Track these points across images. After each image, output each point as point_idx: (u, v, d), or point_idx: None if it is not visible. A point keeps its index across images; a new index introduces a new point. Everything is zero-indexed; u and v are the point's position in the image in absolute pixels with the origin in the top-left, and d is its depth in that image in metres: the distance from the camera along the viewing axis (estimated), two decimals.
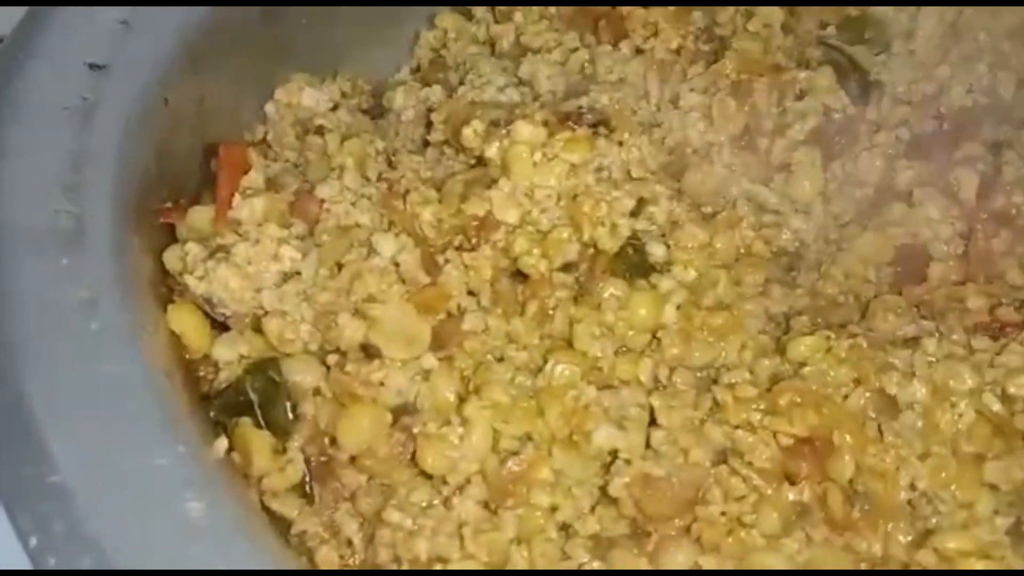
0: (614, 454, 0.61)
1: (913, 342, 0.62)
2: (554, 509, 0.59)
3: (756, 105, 0.70)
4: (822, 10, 0.81)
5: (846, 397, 0.60)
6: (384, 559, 0.58)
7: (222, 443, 0.56)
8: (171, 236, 0.67)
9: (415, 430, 0.60)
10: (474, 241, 0.67)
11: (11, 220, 0.56)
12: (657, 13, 0.78)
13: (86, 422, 0.49)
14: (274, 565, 0.48)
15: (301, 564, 0.55)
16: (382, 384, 0.61)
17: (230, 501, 0.50)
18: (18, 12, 0.68)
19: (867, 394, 0.60)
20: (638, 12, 0.78)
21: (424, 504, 0.59)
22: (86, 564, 0.43)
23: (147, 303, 0.60)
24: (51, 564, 0.43)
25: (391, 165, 0.74)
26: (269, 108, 0.76)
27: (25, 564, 0.68)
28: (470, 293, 0.65)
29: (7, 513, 0.45)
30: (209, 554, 0.45)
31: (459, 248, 0.66)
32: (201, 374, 0.63)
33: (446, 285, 0.64)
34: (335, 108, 0.78)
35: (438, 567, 0.57)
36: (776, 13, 0.77)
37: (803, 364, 0.61)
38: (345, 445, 0.60)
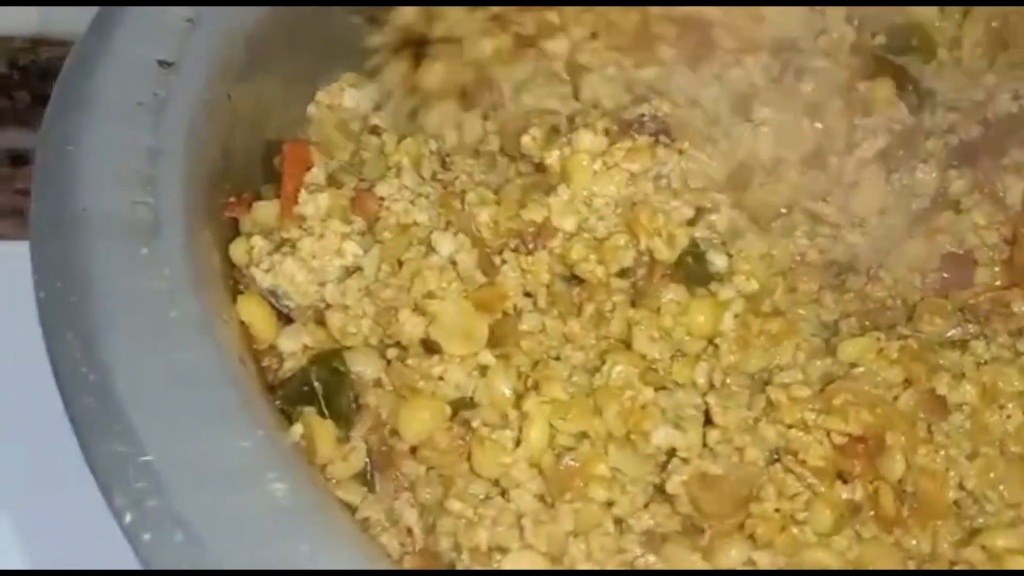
0: (671, 453, 0.63)
1: (961, 344, 0.65)
2: (611, 504, 0.61)
3: (830, 124, 0.72)
4: (868, 18, 0.83)
5: (896, 398, 0.63)
6: (444, 547, 0.60)
7: (297, 429, 0.58)
8: (235, 230, 0.70)
9: (473, 424, 0.62)
10: (531, 246, 0.69)
11: (94, 209, 0.58)
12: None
13: (169, 406, 0.52)
14: (351, 546, 0.50)
15: (374, 547, 0.57)
16: (441, 378, 0.63)
17: (309, 484, 0.53)
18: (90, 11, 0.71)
19: (918, 395, 0.62)
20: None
21: (483, 496, 0.61)
22: (179, 540, 0.46)
23: (218, 294, 0.63)
24: (146, 540, 0.46)
25: (445, 166, 0.77)
26: (311, 109, 0.78)
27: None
28: (526, 295, 0.68)
29: (101, 491, 0.47)
30: (295, 532, 0.48)
31: (515, 250, 0.68)
32: (266, 364, 0.65)
33: (503, 285, 0.67)
34: (377, 109, 0.79)
35: (497, 557, 0.59)
36: (847, 32, 0.78)
37: (854, 365, 0.64)
38: (406, 435, 0.62)
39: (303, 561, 0.48)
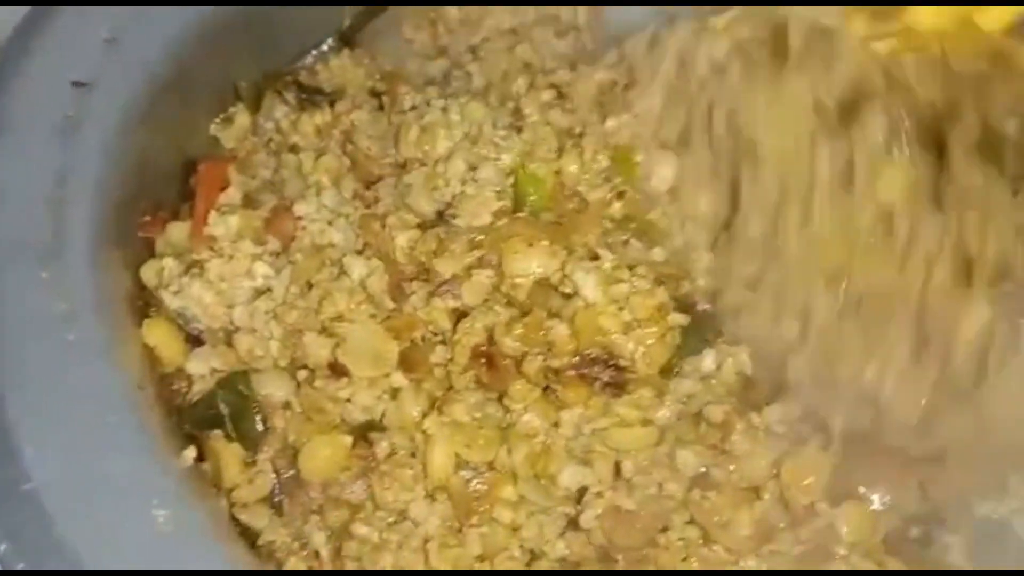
0: (583, 489, 0.65)
1: None
2: (516, 528, 0.63)
3: None
4: None
5: None
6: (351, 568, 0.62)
7: (190, 453, 0.60)
8: (151, 251, 0.71)
9: (377, 450, 0.63)
10: (441, 290, 0.69)
11: None
12: None
13: (59, 430, 0.53)
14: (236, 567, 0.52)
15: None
16: (349, 401, 0.65)
17: (196, 510, 0.54)
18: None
19: None
20: None
21: (391, 520, 0.63)
22: (53, 566, 0.47)
23: (123, 317, 0.65)
24: (20, 566, 0.47)
25: (368, 187, 0.78)
26: (230, 126, 0.80)
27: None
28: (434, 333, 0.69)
29: None
30: (173, 559, 0.49)
31: (426, 281, 0.69)
32: (176, 387, 0.67)
33: (411, 316, 0.68)
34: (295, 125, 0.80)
35: None
36: None
37: None
38: (307, 474, 0.64)
39: None
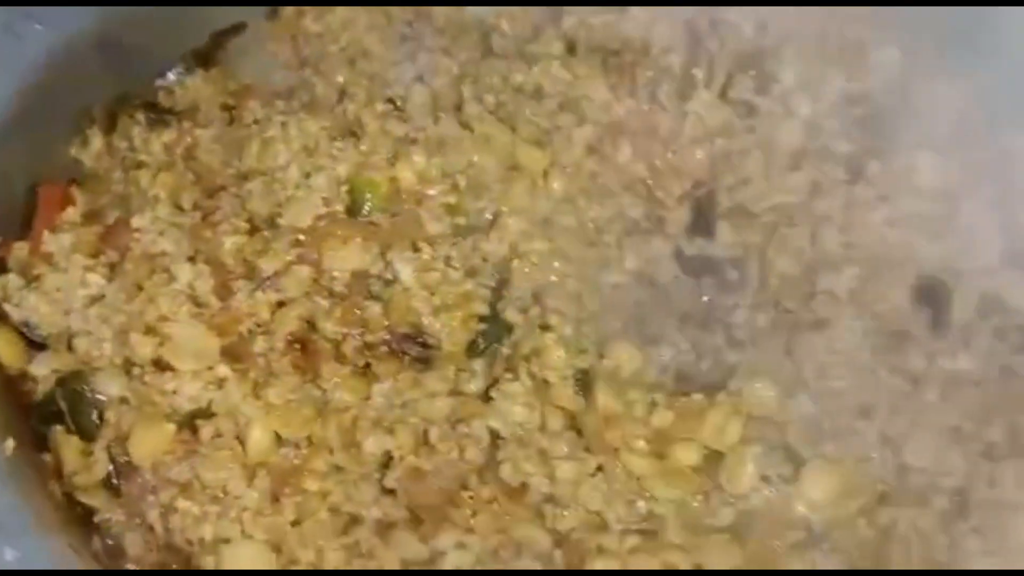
0: (388, 455, 0.74)
1: None
2: (325, 495, 0.72)
3: None
4: None
5: None
6: (178, 541, 0.71)
7: (9, 444, 0.69)
8: (5, 269, 0.79)
9: (202, 434, 0.72)
10: (265, 285, 0.78)
11: None
12: None
13: None
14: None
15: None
16: (175, 392, 0.74)
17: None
18: None
19: None
20: None
21: (215, 494, 0.72)
22: None
23: None
24: None
25: (211, 196, 0.86)
26: (83, 149, 0.88)
27: None
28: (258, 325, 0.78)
29: None
30: None
31: (249, 278, 0.78)
32: (24, 389, 0.76)
33: (237, 311, 0.77)
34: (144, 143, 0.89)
35: (222, 547, 0.70)
36: None
37: None
38: (137, 459, 0.72)
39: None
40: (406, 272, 0.78)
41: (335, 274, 0.79)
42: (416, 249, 0.80)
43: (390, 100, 0.91)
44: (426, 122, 0.89)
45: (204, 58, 1.00)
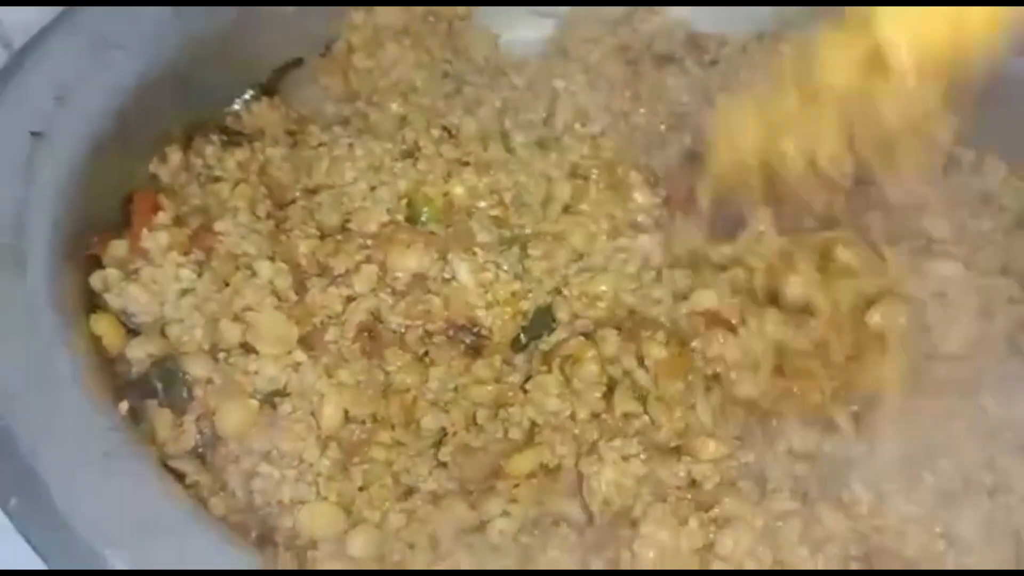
0: (443, 432, 0.85)
1: None
2: (390, 463, 0.82)
3: None
4: None
5: None
6: (259, 503, 0.80)
7: (124, 405, 0.80)
8: (100, 265, 0.90)
9: (280, 409, 0.83)
10: (337, 282, 0.91)
11: None
12: None
13: (25, 383, 0.74)
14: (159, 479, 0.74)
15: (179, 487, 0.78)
16: (257, 373, 0.84)
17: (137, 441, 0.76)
18: None
19: None
20: None
21: (292, 462, 0.82)
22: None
23: (75, 312, 0.84)
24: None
25: (281, 209, 0.98)
26: (173, 161, 0.99)
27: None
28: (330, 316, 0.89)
29: None
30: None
31: (321, 276, 0.91)
32: (120, 370, 0.86)
33: (311, 304, 0.88)
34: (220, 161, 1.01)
35: (298, 507, 0.79)
36: None
37: None
38: (224, 432, 0.83)
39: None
40: (463, 271, 0.90)
41: (398, 274, 0.91)
42: (472, 253, 0.92)
43: (444, 128, 1.03)
44: (476, 147, 1.02)
45: (266, 90, 1.12)
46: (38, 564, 0.69)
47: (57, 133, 0.91)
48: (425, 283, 0.91)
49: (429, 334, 0.89)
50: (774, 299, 0.91)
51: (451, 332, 0.90)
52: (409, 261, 0.91)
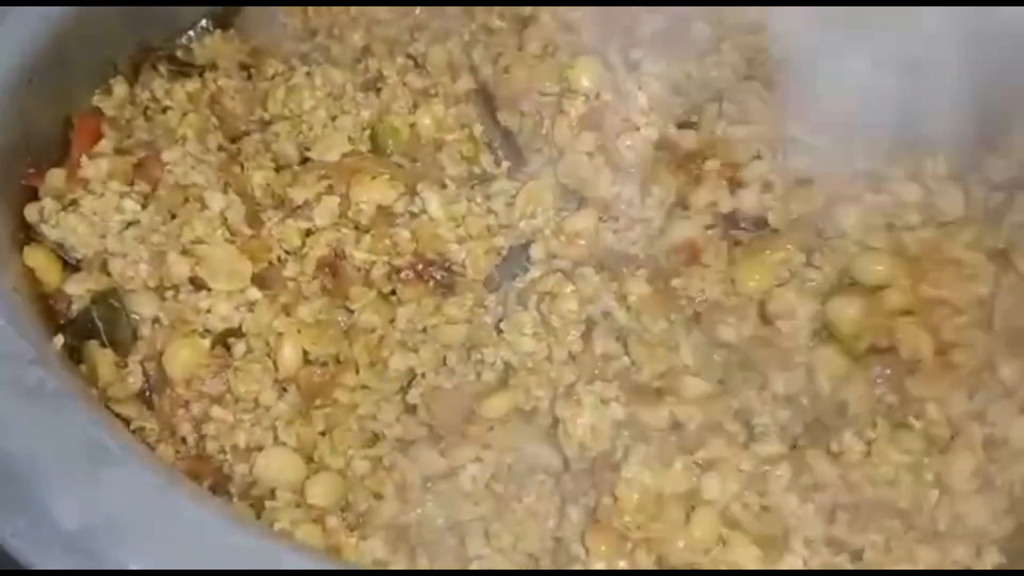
0: (412, 373, 0.80)
1: None
2: (354, 407, 0.77)
3: None
4: None
5: None
6: (212, 449, 0.75)
7: (59, 340, 0.74)
8: (35, 197, 0.84)
9: (234, 351, 0.77)
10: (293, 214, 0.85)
11: None
12: None
13: None
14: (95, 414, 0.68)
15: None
16: (209, 311, 0.79)
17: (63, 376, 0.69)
18: None
19: None
20: None
21: (247, 406, 0.76)
22: None
23: (5, 244, 0.78)
24: None
25: (233, 142, 0.92)
26: (118, 93, 0.93)
27: None
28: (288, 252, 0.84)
29: None
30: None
31: (277, 208, 0.85)
32: (57, 308, 0.80)
33: (267, 239, 0.83)
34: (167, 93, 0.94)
35: (255, 454, 0.74)
36: None
37: None
38: (172, 373, 0.77)
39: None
40: (434, 203, 0.84)
41: (362, 207, 0.85)
42: (443, 186, 0.86)
43: (410, 56, 0.97)
44: (444, 78, 0.96)
45: (220, 22, 1.06)
46: None
47: None
48: (391, 217, 0.85)
49: (396, 270, 0.84)
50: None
51: (420, 268, 0.84)
52: (374, 193, 0.85)
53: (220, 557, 0.61)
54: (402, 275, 0.83)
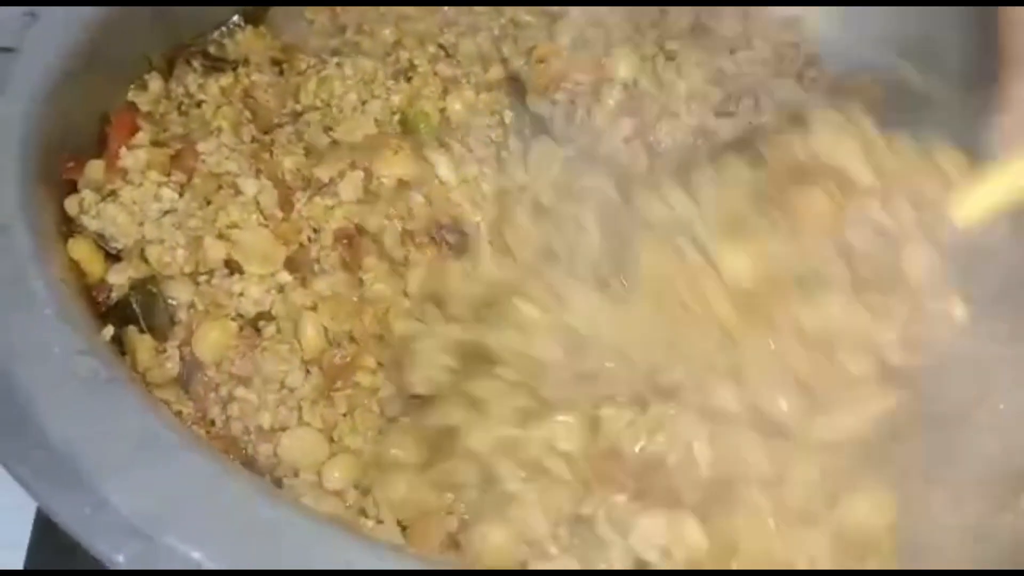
0: None
1: None
2: (375, 390, 0.80)
3: None
4: None
5: None
6: (237, 431, 0.77)
7: (108, 330, 0.76)
8: (74, 190, 0.87)
9: (264, 333, 0.80)
10: (320, 193, 0.87)
11: None
12: None
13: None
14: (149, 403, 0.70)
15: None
16: (241, 295, 0.81)
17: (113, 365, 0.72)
18: None
19: None
20: None
21: (274, 387, 0.78)
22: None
23: (50, 236, 0.81)
24: None
25: (266, 133, 0.95)
26: (153, 88, 0.96)
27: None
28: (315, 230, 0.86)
29: None
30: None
31: (305, 190, 0.87)
32: (100, 298, 0.82)
33: (296, 221, 0.85)
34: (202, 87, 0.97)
35: (280, 434, 0.76)
36: None
37: None
38: (202, 355, 0.79)
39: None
40: (443, 166, 0.88)
41: (383, 180, 0.88)
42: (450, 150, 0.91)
43: (441, 46, 0.99)
44: (475, 68, 0.98)
45: (251, 19, 1.08)
46: None
47: (29, 50, 0.87)
48: (409, 186, 0.89)
49: (410, 235, 0.86)
50: None
51: (435, 232, 0.87)
52: (395, 167, 0.88)
53: (278, 546, 0.62)
54: (416, 240, 0.86)
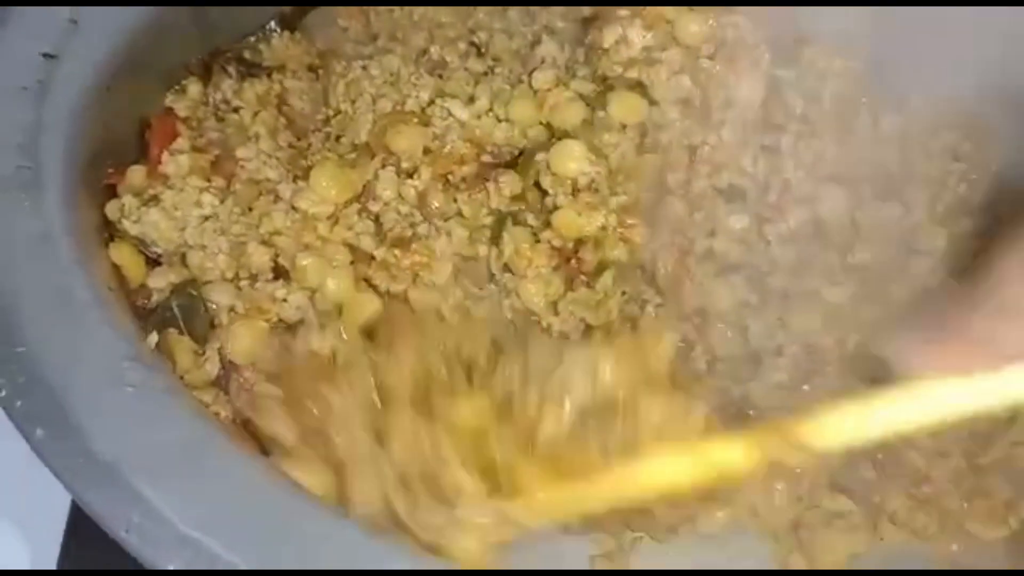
0: None
1: None
2: None
3: None
4: None
5: None
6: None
7: (153, 338, 0.77)
8: (114, 195, 0.88)
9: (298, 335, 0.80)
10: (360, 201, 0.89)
11: None
12: None
13: (45, 313, 0.70)
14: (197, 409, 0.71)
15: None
16: (285, 300, 0.81)
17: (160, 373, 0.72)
18: None
19: None
20: None
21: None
22: (43, 399, 0.66)
23: (92, 241, 0.81)
24: (18, 406, 0.64)
25: (300, 139, 0.95)
26: (191, 93, 0.96)
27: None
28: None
29: None
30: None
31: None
32: (140, 303, 0.83)
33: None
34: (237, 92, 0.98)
35: None
36: None
37: None
38: (236, 356, 0.80)
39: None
40: (456, 108, 0.92)
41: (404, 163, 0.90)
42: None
43: (473, 44, 0.99)
44: (510, 62, 0.98)
45: (287, 26, 1.09)
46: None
47: (70, 56, 0.88)
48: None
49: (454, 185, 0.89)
50: None
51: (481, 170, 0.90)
52: (402, 141, 0.90)
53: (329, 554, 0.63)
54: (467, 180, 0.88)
